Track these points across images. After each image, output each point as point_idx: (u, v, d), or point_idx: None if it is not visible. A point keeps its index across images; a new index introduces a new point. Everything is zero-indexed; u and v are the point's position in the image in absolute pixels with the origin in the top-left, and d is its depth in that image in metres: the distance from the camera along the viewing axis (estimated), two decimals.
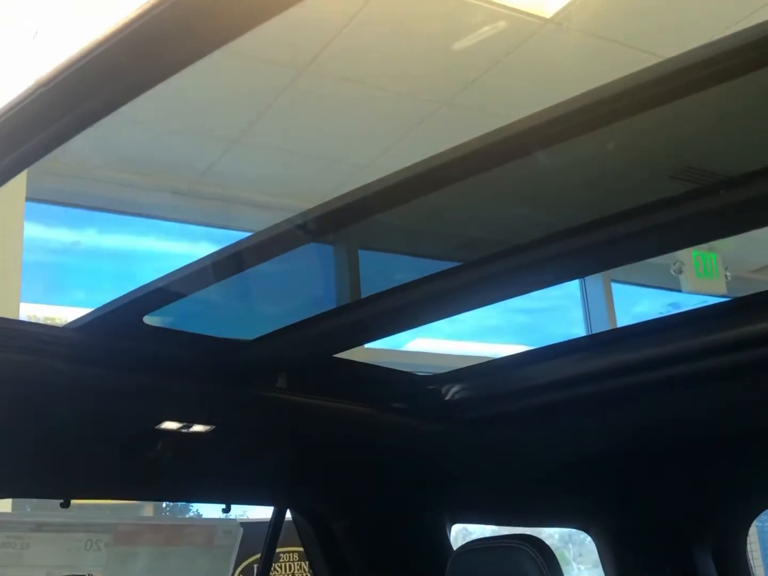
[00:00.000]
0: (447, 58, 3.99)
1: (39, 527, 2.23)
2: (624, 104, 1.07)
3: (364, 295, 1.60)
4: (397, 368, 2.23)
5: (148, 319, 1.62)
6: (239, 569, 3.16)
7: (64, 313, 4.49)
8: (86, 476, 1.91)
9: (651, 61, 1.05)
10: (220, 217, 5.01)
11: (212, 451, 1.92)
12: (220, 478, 2.08)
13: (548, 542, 1.92)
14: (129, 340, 1.63)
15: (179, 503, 4.58)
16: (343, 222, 1.41)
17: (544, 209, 1.45)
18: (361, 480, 2.28)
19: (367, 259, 1.64)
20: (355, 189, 1.31)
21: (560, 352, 2.04)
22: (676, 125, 1.22)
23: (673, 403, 1.98)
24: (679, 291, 5.81)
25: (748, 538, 2.61)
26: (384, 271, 1.68)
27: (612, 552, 2.64)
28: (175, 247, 5.18)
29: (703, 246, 5.66)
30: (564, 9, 3.73)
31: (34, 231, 4.33)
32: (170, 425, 1.76)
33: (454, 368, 2.19)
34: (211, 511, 3.65)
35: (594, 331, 6.06)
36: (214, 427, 1.81)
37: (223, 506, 2.30)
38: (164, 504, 4.51)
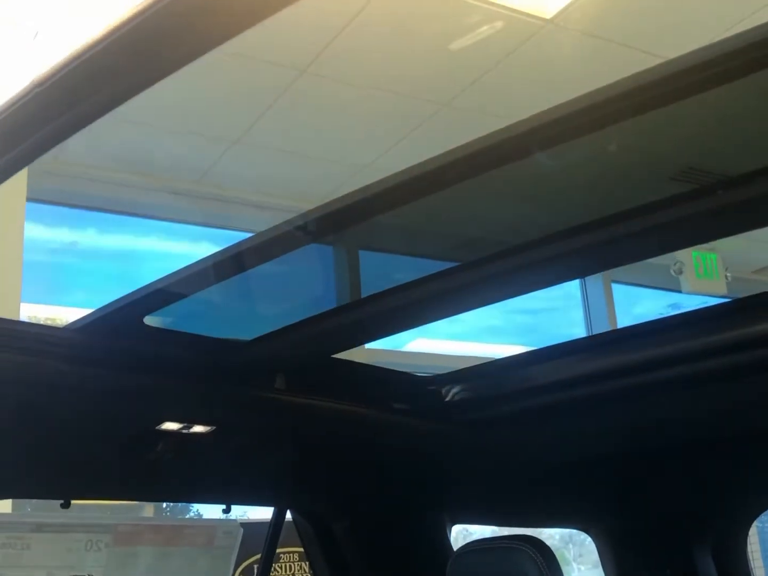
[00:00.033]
0: (447, 59, 4.00)
1: (39, 528, 2.23)
2: (624, 106, 1.07)
3: (364, 296, 1.60)
4: (397, 369, 2.23)
5: (148, 320, 1.62)
6: (239, 570, 3.16)
7: (64, 314, 4.49)
8: (87, 477, 1.91)
9: (651, 61, 1.05)
10: (221, 218, 5.02)
11: (212, 452, 1.92)
12: (220, 478, 2.09)
13: (548, 543, 1.92)
14: (129, 340, 1.63)
15: (179, 504, 4.58)
16: (344, 223, 1.41)
17: (544, 209, 1.45)
18: (361, 481, 2.28)
19: (367, 259, 1.64)
20: (355, 190, 1.31)
21: (560, 353, 2.04)
22: (677, 126, 1.22)
23: (673, 403, 1.98)
24: (680, 292, 5.81)
25: (748, 539, 2.61)
26: (384, 271, 1.68)
27: (612, 552, 2.64)
28: (176, 248, 5.18)
29: (704, 246, 5.66)
30: (564, 10, 3.73)
31: (33, 231, 4.33)
32: (170, 426, 1.76)
33: (455, 369, 2.19)
34: (211, 511, 3.65)
35: (594, 332, 6.06)
36: (214, 427, 1.81)
37: (224, 507, 2.30)
38: (164, 504, 4.52)
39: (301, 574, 3.34)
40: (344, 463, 2.19)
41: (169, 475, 1.98)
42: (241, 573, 3.19)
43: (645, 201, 1.26)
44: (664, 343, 1.82)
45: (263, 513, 2.63)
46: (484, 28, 3.77)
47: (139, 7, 0.87)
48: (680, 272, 5.66)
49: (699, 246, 5.58)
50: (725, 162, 1.32)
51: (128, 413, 1.74)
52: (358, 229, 1.44)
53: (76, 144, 4.38)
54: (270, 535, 2.37)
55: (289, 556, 3.33)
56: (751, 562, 2.68)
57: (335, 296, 1.69)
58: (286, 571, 3.32)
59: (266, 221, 1.47)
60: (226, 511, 2.31)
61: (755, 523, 2.93)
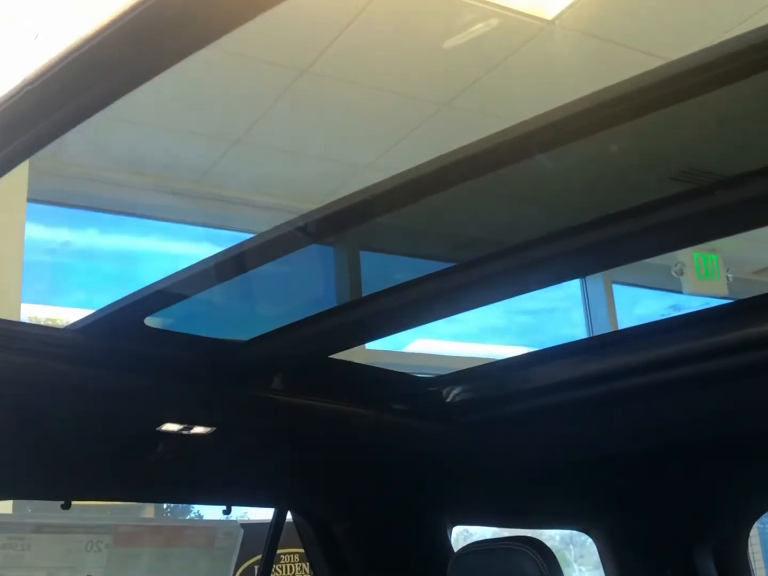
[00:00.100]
0: (447, 60, 4.00)
1: (40, 528, 2.23)
2: (625, 107, 1.07)
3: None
4: (397, 370, 2.23)
5: (149, 321, 1.62)
6: (240, 571, 3.16)
7: (65, 314, 4.49)
8: (87, 478, 1.91)
9: (652, 62, 1.05)
10: (221, 218, 5.02)
11: (213, 453, 1.92)
12: (220, 479, 2.09)
13: (549, 544, 1.92)
14: (130, 341, 1.63)
15: (180, 505, 4.58)
16: (345, 224, 1.41)
17: (545, 209, 1.45)
18: (362, 481, 2.28)
19: (368, 260, 1.64)
20: (357, 191, 1.31)
21: (561, 354, 2.04)
22: (678, 127, 1.22)
23: (674, 405, 1.98)
24: (680, 292, 5.81)
25: (749, 540, 2.61)
26: (386, 272, 1.67)
27: (613, 554, 2.64)
28: (176, 248, 5.18)
29: (705, 247, 5.66)
30: (565, 11, 3.73)
31: (33, 231, 4.33)
32: (171, 427, 1.76)
33: (455, 370, 2.19)
34: (211, 512, 3.65)
35: (595, 333, 6.06)
36: (214, 428, 1.81)
37: (224, 508, 2.30)
38: (165, 505, 4.51)
39: (302, 575, 3.34)
40: (345, 463, 2.18)
41: (169, 476, 1.98)
42: (241, 574, 3.19)
43: (645, 201, 1.26)
44: (665, 344, 1.82)
45: (264, 514, 2.63)
46: (485, 28, 3.77)
47: (129, 5, 0.86)
48: (681, 273, 5.67)
49: (700, 247, 5.58)
50: (726, 162, 1.31)
51: (129, 414, 1.74)
52: (359, 230, 1.43)
53: (77, 144, 4.38)
54: (270, 536, 2.37)
55: (290, 557, 3.33)
56: (752, 563, 2.67)
57: (336, 297, 1.69)
58: (286, 572, 3.32)
59: (267, 221, 1.47)
60: (227, 512, 2.31)
61: (756, 525, 2.93)
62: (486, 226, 1.53)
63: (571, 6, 3.70)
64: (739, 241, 5.48)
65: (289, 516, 2.38)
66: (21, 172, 3.94)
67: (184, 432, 1.79)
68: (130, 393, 1.67)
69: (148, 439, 1.78)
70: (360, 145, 4.68)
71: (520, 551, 1.86)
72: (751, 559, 2.66)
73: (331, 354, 1.84)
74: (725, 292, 5.78)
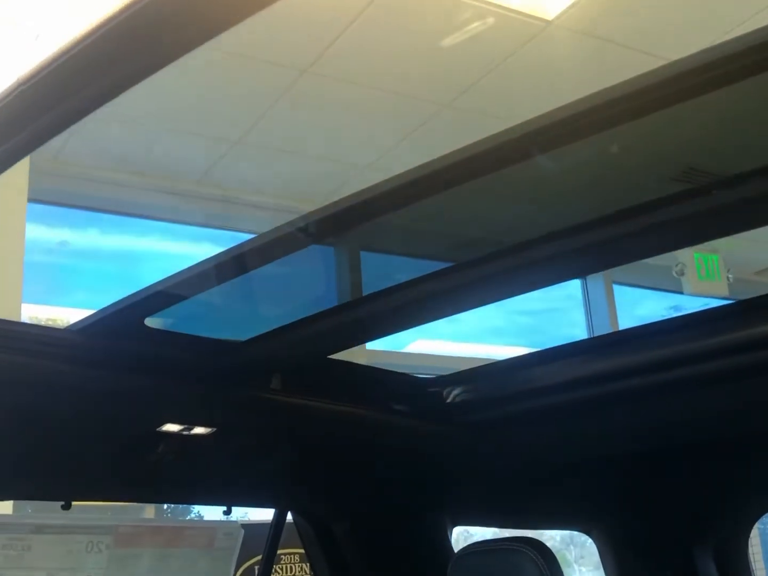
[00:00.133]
0: (448, 60, 4.00)
1: (40, 529, 2.23)
2: (626, 108, 1.07)
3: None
4: (397, 370, 2.23)
5: (149, 322, 1.62)
6: (240, 571, 3.16)
7: (65, 315, 4.49)
8: (87, 478, 1.91)
9: (653, 63, 1.05)
10: (222, 218, 5.02)
11: (213, 453, 1.92)
12: (221, 480, 2.08)
13: (549, 544, 1.92)
14: (130, 342, 1.63)
15: (180, 505, 4.58)
16: (346, 224, 1.41)
17: (546, 209, 1.45)
18: (362, 482, 2.28)
19: (369, 260, 1.64)
20: (358, 191, 1.31)
21: (562, 355, 2.04)
22: (678, 128, 1.22)
23: (674, 405, 1.98)
24: (681, 293, 5.81)
25: (749, 541, 2.61)
26: (387, 272, 1.67)
27: (613, 554, 2.63)
28: (177, 248, 5.19)
29: (705, 248, 5.66)
30: (566, 11, 3.73)
31: (34, 232, 4.33)
32: (171, 427, 1.76)
33: (455, 370, 2.19)
34: (212, 513, 3.65)
35: (596, 334, 6.06)
36: (215, 429, 1.81)
37: (224, 508, 2.30)
38: (165, 506, 4.51)
39: (302, 575, 3.33)
40: (345, 464, 2.18)
41: (169, 477, 1.98)
42: (241, 574, 3.19)
43: (644, 200, 1.26)
44: (666, 344, 1.82)
45: (264, 514, 2.63)
46: (486, 28, 3.77)
47: (122, 5, 0.86)
48: (682, 273, 5.66)
49: (701, 247, 5.58)
50: (727, 162, 1.31)
51: (129, 415, 1.74)
52: (359, 230, 1.43)
53: (77, 145, 4.39)
54: (271, 537, 2.37)
55: (290, 558, 3.33)
56: (753, 564, 2.67)
57: (336, 297, 1.69)
58: (286, 573, 3.32)
59: (267, 222, 1.47)
60: (227, 512, 2.31)
61: (757, 526, 2.92)
62: (486, 226, 1.53)
63: (571, 6, 3.70)
64: (740, 242, 5.48)
65: (289, 516, 2.38)
66: (22, 173, 3.94)
67: (185, 432, 1.78)
68: (131, 393, 1.67)
69: (149, 440, 1.78)
70: (360, 146, 4.68)
71: (520, 552, 1.86)
72: (752, 560, 2.66)
73: (331, 354, 1.84)
74: (726, 292, 5.77)
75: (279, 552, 3.13)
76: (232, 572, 2.52)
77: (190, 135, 4.47)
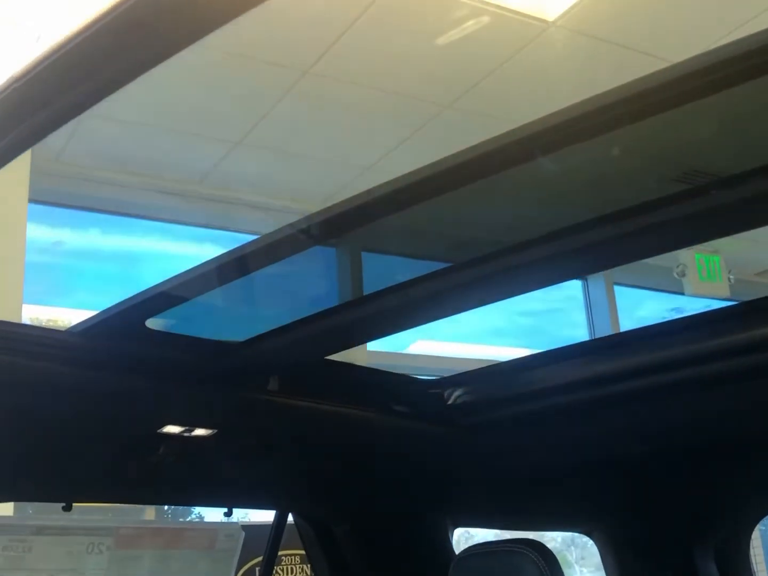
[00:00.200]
0: (449, 61, 4.00)
1: (41, 531, 2.22)
2: (626, 111, 1.07)
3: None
4: (398, 371, 2.23)
5: (150, 323, 1.62)
6: (241, 572, 3.16)
7: (66, 315, 4.49)
8: (88, 480, 1.91)
9: (654, 64, 1.05)
10: (223, 219, 5.02)
11: (214, 455, 1.92)
12: (221, 481, 2.08)
13: (550, 546, 1.92)
14: (131, 343, 1.63)
15: (181, 506, 4.58)
16: (347, 225, 1.41)
17: (546, 209, 1.45)
18: (363, 483, 2.28)
19: (370, 261, 1.63)
20: (359, 193, 1.31)
21: (563, 356, 2.03)
22: (679, 130, 1.22)
23: (676, 407, 1.98)
24: (682, 294, 5.81)
25: (751, 542, 2.61)
26: (388, 273, 1.67)
27: (614, 555, 2.63)
28: (178, 249, 5.19)
29: (707, 248, 5.66)
30: (566, 12, 3.73)
31: (34, 232, 4.33)
32: (172, 429, 1.76)
33: (456, 371, 2.19)
34: (212, 514, 3.65)
35: (597, 335, 6.06)
36: (216, 430, 1.81)
37: (225, 510, 2.30)
38: (166, 507, 4.51)
39: None
40: (346, 465, 2.18)
41: (170, 478, 1.98)
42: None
43: (644, 200, 1.26)
44: (668, 346, 1.82)
45: (265, 516, 2.63)
46: (487, 30, 3.77)
47: (116, 1, 0.85)
48: (683, 274, 5.66)
49: (702, 248, 5.58)
50: (728, 164, 1.31)
51: (130, 416, 1.74)
52: (361, 231, 1.43)
53: (78, 146, 4.39)
54: (272, 538, 2.37)
55: (291, 559, 3.33)
56: (754, 565, 2.67)
57: (338, 298, 1.68)
58: (287, 574, 3.32)
59: (269, 223, 1.47)
60: (228, 514, 2.30)
61: (758, 527, 2.92)
62: (486, 226, 1.53)
63: (573, 7, 3.70)
64: (741, 243, 5.48)
65: (290, 518, 2.38)
66: (22, 173, 3.95)
67: (186, 434, 1.78)
68: (132, 395, 1.67)
69: (150, 441, 1.78)
70: (362, 147, 4.68)
71: (521, 553, 1.86)
72: (753, 561, 2.66)
73: (331, 354, 1.83)
74: (727, 293, 5.77)
75: (280, 553, 3.13)
76: (233, 574, 2.52)
77: (191, 136, 4.47)
